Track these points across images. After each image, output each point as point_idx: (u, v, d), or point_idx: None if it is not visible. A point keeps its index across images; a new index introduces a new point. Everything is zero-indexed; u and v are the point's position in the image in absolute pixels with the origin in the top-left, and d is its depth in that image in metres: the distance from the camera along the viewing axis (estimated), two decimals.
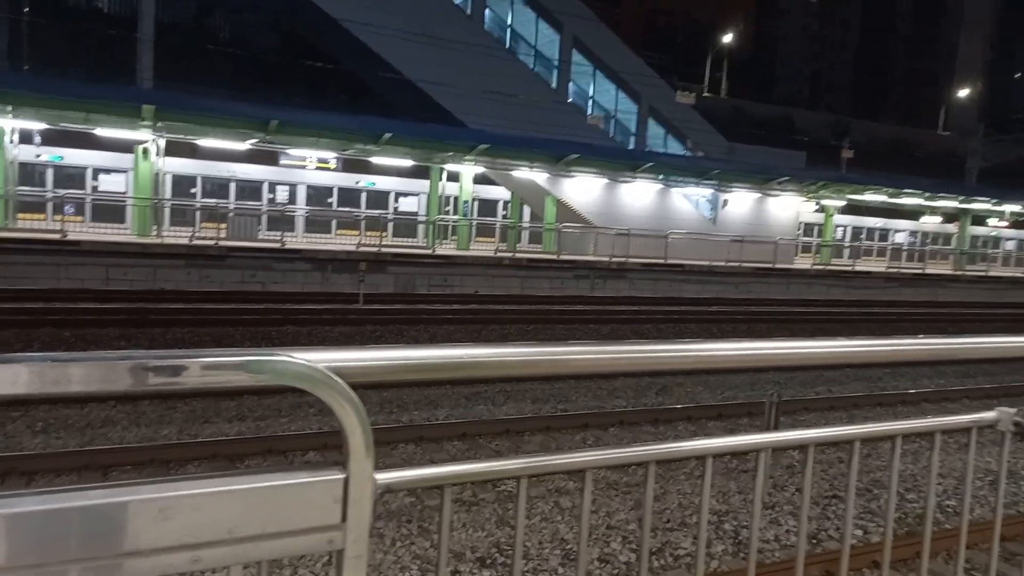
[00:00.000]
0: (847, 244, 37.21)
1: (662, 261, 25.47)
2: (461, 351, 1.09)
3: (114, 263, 17.85)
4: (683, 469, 6.86)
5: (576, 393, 10.14)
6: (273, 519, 0.93)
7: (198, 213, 22.29)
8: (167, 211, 22.78)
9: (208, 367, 0.93)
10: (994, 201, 36.08)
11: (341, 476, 0.97)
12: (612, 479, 6.57)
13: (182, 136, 22.19)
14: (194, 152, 26.89)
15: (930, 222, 43.03)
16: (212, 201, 25.13)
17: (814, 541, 5.74)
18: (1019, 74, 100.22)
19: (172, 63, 36.39)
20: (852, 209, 38.25)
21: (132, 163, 22.37)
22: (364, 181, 30.21)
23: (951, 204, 36.42)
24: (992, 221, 41.12)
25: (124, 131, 21.07)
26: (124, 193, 24.60)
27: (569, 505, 6.06)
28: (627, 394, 10.33)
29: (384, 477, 1.02)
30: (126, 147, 22.97)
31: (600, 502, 6.18)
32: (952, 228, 42.36)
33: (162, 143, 22.06)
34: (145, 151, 21.51)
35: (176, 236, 20.66)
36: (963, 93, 68.64)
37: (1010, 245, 46.46)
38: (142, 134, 21.15)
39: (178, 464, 6.61)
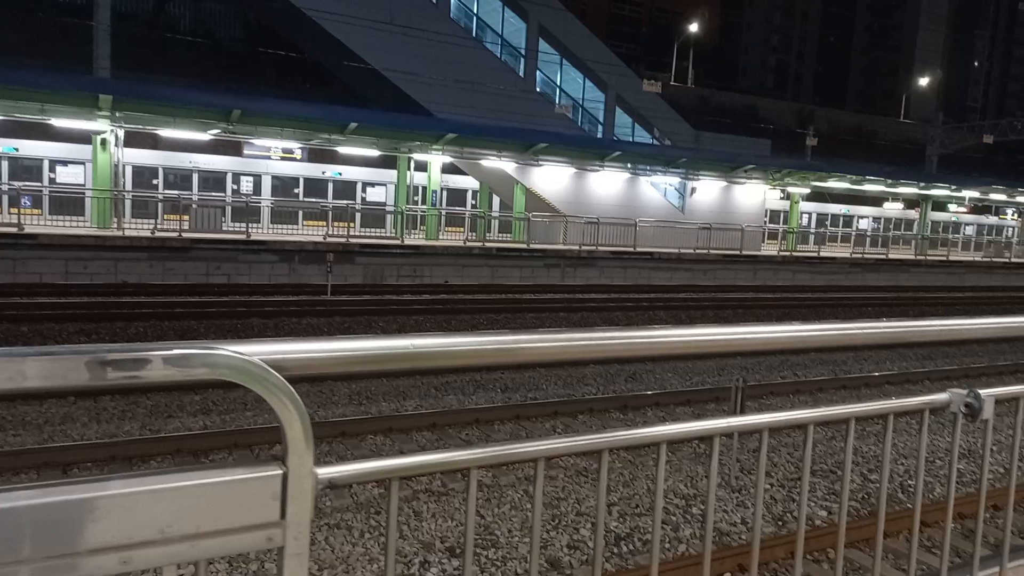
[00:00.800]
0: (812, 231, 37.76)
1: (631, 249, 25.61)
2: (407, 341, 1.07)
3: (73, 256, 17.43)
4: (652, 455, 6.91)
5: (547, 381, 10.16)
6: (208, 517, 0.90)
7: (160, 205, 21.82)
8: (128, 203, 22.28)
9: (140, 363, 0.90)
10: (953, 187, 36.87)
11: (279, 472, 0.94)
12: (582, 466, 6.60)
13: (142, 126, 21.69)
14: (155, 143, 26.32)
15: (892, 208, 43.86)
16: (174, 193, 24.64)
17: (780, 523, 5.82)
18: (976, 63, 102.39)
19: (130, 52, 35.58)
20: (817, 196, 38.81)
21: (90, 154, 21.83)
22: (331, 171, 29.87)
23: (912, 190, 37.13)
24: (952, 207, 42.05)
25: (81, 121, 20.54)
26: (83, 185, 24.01)
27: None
28: (597, 381, 10.38)
29: (326, 472, 0.99)
30: (84, 138, 22.42)
31: (570, 488, 6.20)
32: (913, 214, 43.22)
33: (121, 134, 21.55)
34: (103, 142, 21.00)
35: (138, 228, 20.23)
36: (922, 82, 69.90)
37: (969, 230, 47.54)
38: (100, 124, 20.64)
39: (140, 460, 6.49)
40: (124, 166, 23.34)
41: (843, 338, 1.62)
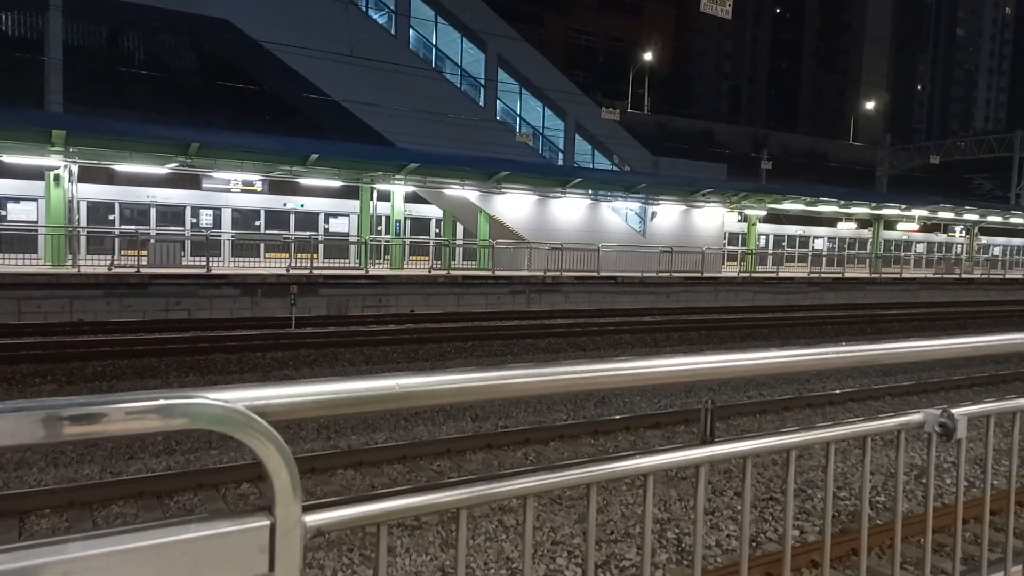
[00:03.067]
0: (770, 252, 38.53)
1: (595, 274, 25.80)
2: (391, 381, 1.04)
3: (26, 295, 16.94)
4: (625, 480, 6.90)
5: (516, 409, 10.11)
6: (192, 574, 0.86)
7: (117, 240, 21.38)
8: (83, 239, 21.78)
9: (118, 414, 0.86)
10: (903, 207, 37.99)
11: (267, 522, 0.90)
12: (555, 494, 6.55)
13: (96, 161, 21.31)
14: (111, 178, 25.87)
15: (846, 228, 44.99)
16: (131, 228, 24.18)
17: (754, 544, 5.84)
18: (919, 86, 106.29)
19: (83, 86, 35.03)
20: (773, 218, 39.66)
21: (43, 190, 21.34)
22: (292, 203, 29.64)
23: (864, 210, 38.16)
24: (901, 225, 43.28)
25: (33, 157, 20.10)
26: (36, 222, 23.43)
27: (513, 523, 6.00)
28: (566, 407, 10.36)
29: (314, 519, 0.96)
30: (37, 174, 21.92)
31: (544, 517, 6.15)
32: (866, 233, 44.38)
33: (75, 169, 21.13)
34: (57, 177, 20.56)
35: (94, 265, 19.76)
36: (869, 105, 72.28)
37: (920, 248, 48.94)
38: (53, 160, 20.21)
39: (101, 505, 6.27)
40: (79, 202, 22.86)
41: (809, 363, 1.64)
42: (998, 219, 43.00)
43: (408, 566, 5.26)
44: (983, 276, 39.26)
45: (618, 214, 30.80)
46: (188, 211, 27.43)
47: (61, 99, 25.78)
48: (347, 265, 24.58)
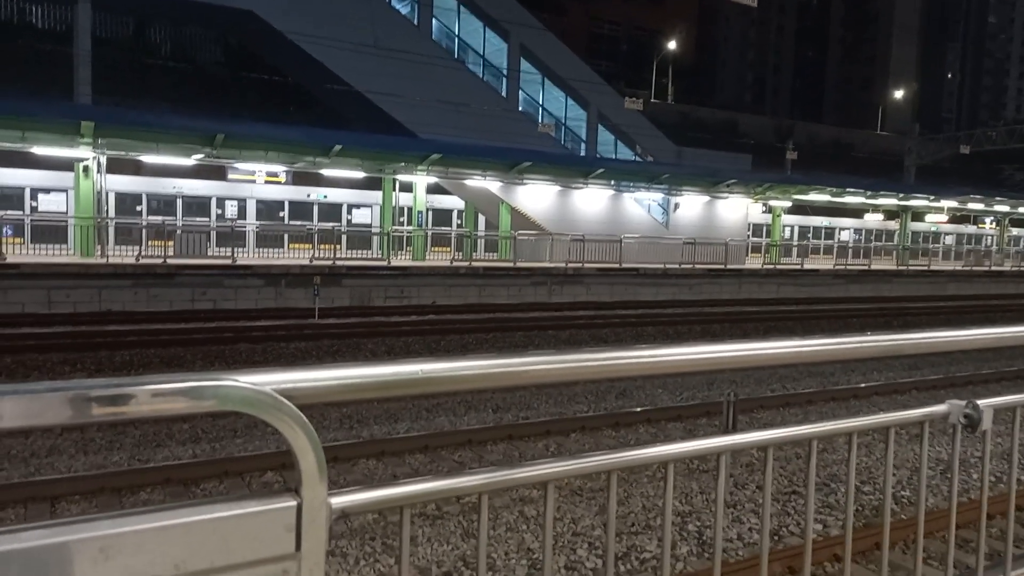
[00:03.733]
0: (795, 243, 38.10)
1: (617, 265, 25.70)
2: (415, 367, 1.06)
3: (56, 285, 17.25)
4: (645, 472, 6.89)
5: (537, 400, 10.13)
6: (222, 552, 0.89)
7: (144, 231, 21.67)
8: (111, 230, 22.12)
9: (148, 396, 0.89)
10: (931, 197, 37.36)
11: (294, 503, 0.93)
12: (576, 485, 6.57)
13: (124, 153, 21.59)
14: (138, 169, 26.21)
15: (873, 219, 44.37)
16: (158, 218, 24.50)
17: (776, 537, 5.81)
18: (948, 75, 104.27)
19: (111, 78, 35.49)
20: (798, 209, 39.20)
21: (73, 182, 21.69)
22: (316, 194, 29.84)
23: (891, 202, 37.59)
24: (930, 217, 42.60)
25: (63, 149, 20.42)
26: (65, 213, 23.83)
27: (534, 514, 6.03)
28: (587, 399, 10.36)
29: (339, 501, 0.98)
30: (66, 165, 22.28)
31: (565, 508, 6.17)
32: (894, 225, 43.73)
33: (103, 160, 21.44)
34: (86, 169, 20.88)
35: (122, 256, 20.07)
36: (898, 94, 71.07)
37: (949, 240, 48.14)
38: (82, 151, 20.52)
39: (129, 491, 6.39)
40: (107, 193, 23.21)
41: (831, 353, 1.63)
42: None
43: (430, 555, 5.31)
44: (1013, 268, 38.54)
45: (641, 205, 30.63)
46: (213, 202, 27.74)
47: (89, 91, 26.12)
48: (370, 256, 24.71)
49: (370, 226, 29.68)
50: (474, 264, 23.57)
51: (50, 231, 22.05)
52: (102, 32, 44.73)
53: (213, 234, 24.36)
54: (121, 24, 49.45)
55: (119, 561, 0.84)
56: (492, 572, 5.09)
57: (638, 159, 35.38)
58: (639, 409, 9.44)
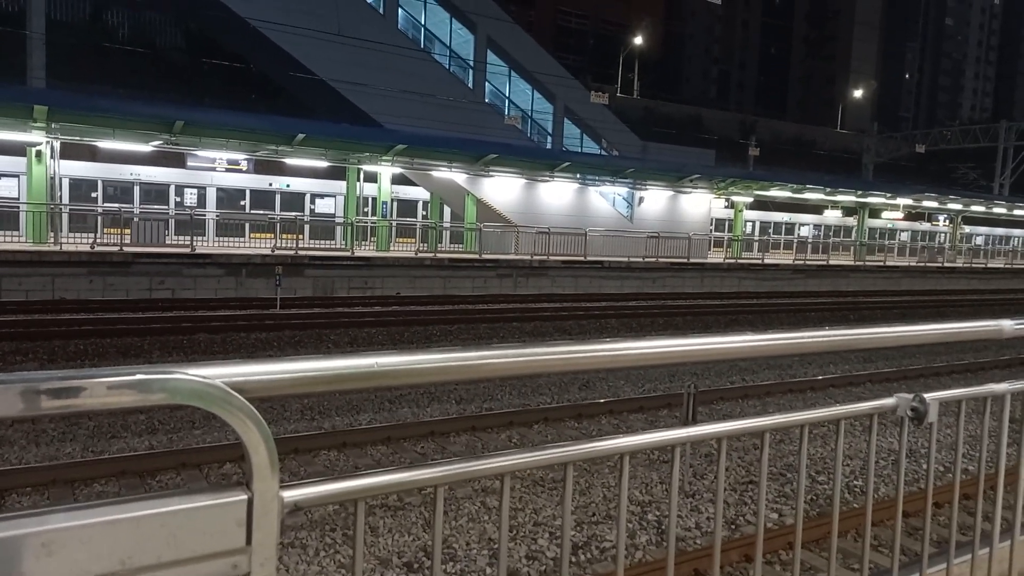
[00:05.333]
0: (756, 238, 38.71)
1: (582, 258, 25.84)
2: (370, 359, 1.06)
3: (7, 272, 16.75)
4: (607, 463, 6.96)
5: (501, 392, 10.16)
6: (170, 547, 0.87)
7: (100, 218, 21.14)
8: (65, 217, 21.54)
9: (96, 389, 0.87)
10: (889, 195, 38.23)
11: (244, 497, 0.92)
12: (538, 476, 6.61)
13: (79, 138, 21.03)
14: (94, 155, 25.55)
15: (832, 216, 45.25)
16: (115, 206, 23.91)
17: (733, 526, 5.92)
18: (907, 75, 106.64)
19: (66, 62, 34.50)
20: (760, 204, 39.80)
21: (25, 167, 21.05)
22: (278, 183, 29.41)
23: (850, 198, 38.38)
24: (886, 214, 43.58)
25: (15, 133, 19.81)
26: (17, 199, 23.13)
27: (495, 504, 6.05)
28: (551, 391, 10.42)
29: (292, 495, 0.98)
30: (18, 150, 21.61)
31: (526, 499, 6.20)
32: (852, 221, 44.67)
33: (57, 145, 20.85)
34: (38, 154, 20.28)
35: (76, 243, 19.56)
36: (857, 92, 72.47)
37: (904, 236, 49.34)
38: (35, 136, 19.93)
39: (83, 484, 6.26)
40: (61, 179, 22.59)
41: (789, 347, 1.67)
42: (981, 209, 43.41)
43: (391, 546, 5.30)
44: (965, 265, 39.69)
45: (606, 199, 30.81)
46: (172, 190, 27.17)
47: (44, 74, 25.35)
48: (333, 246, 24.47)
49: (334, 216, 29.37)
50: (439, 256, 23.49)
51: (1, 217, 21.40)
52: (57, 14, 43.44)
53: (172, 222, 23.88)
54: (77, 6, 48.08)
55: (63, 556, 0.82)
56: (453, 562, 5.11)
57: (604, 153, 35.56)
58: (602, 401, 9.52)
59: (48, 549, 0.82)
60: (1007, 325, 2.05)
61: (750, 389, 10.63)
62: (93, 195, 25.70)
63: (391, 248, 25.29)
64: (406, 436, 7.84)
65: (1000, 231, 56.20)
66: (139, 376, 0.89)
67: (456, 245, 29.05)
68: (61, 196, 23.16)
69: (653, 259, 27.34)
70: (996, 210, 44.29)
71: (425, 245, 26.98)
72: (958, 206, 42.12)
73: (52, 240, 19.98)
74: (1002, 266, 41.74)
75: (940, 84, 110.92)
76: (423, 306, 19.14)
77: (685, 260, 28.25)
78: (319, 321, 15.43)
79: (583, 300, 22.29)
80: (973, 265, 39.95)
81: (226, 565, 0.91)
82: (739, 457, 7.50)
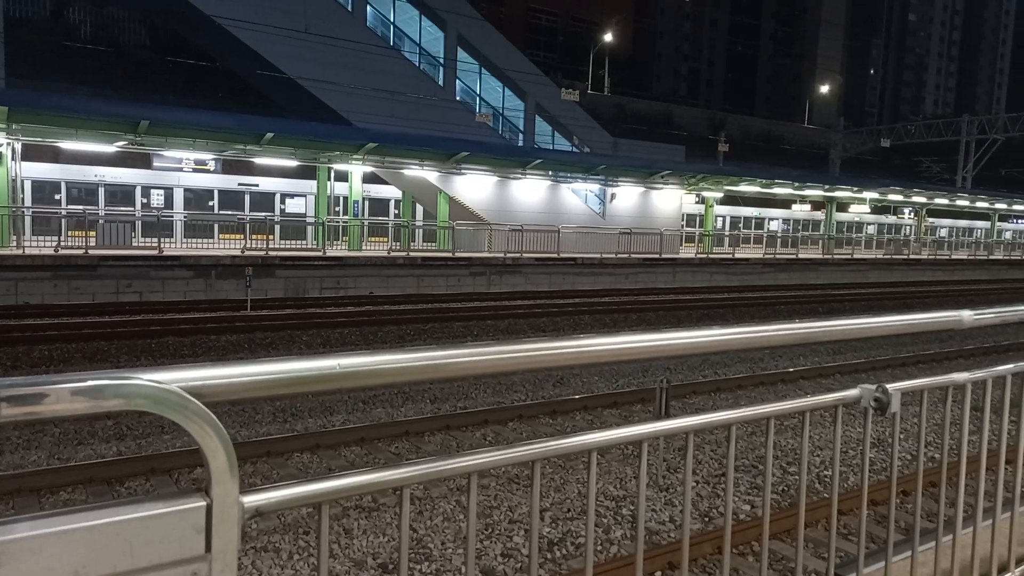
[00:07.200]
0: (727, 233, 39.07)
1: (555, 255, 25.89)
2: (333, 361, 1.04)
3: None
4: (582, 459, 6.98)
5: (475, 390, 10.15)
6: (127, 556, 0.85)
7: (64, 221, 20.71)
8: (27, 220, 21.07)
9: (48, 396, 0.84)
10: (855, 189, 38.83)
11: (203, 503, 0.90)
12: (513, 474, 6.61)
13: (41, 139, 20.57)
14: (57, 156, 25.01)
15: (800, 210, 45.84)
16: (79, 208, 23.44)
17: (706, 519, 5.98)
18: (872, 70, 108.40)
19: (27, 60, 33.74)
20: (730, 200, 40.19)
21: None
22: (247, 183, 29.05)
23: (818, 193, 38.91)
24: (853, 207, 44.27)
25: None
26: None
27: None
28: (525, 388, 10.43)
29: (252, 500, 0.96)
30: None
31: (501, 496, 6.20)
32: (820, 215, 45.30)
33: (18, 147, 20.39)
34: None
35: (40, 246, 19.15)
36: (824, 89, 73.49)
37: (871, 230, 50.17)
38: None
39: (49, 492, 6.13)
40: (23, 181, 22.09)
41: (759, 340, 1.68)
42: (945, 201, 44.28)
43: (366, 547, 5.27)
44: (930, 257, 40.46)
45: (578, 196, 30.90)
46: (138, 191, 26.71)
47: (3, 73, 24.77)
48: (304, 247, 24.24)
49: (304, 216, 29.10)
50: (412, 254, 23.39)
51: None
52: (16, 12, 42.46)
53: (138, 224, 23.49)
54: (37, 3, 47.04)
55: (12, 568, 0.80)
56: (429, 562, 5.09)
57: (575, 150, 35.65)
58: (576, 397, 9.56)
59: None
60: (966, 315, 2.09)
61: (722, 383, 10.74)
62: (56, 197, 25.18)
63: (363, 247, 25.11)
64: (380, 436, 7.80)
65: (963, 223, 57.41)
66: (91, 382, 0.86)
67: (429, 244, 28.93)
68: (23, 199, 22.65)
69: (625, 255, 27.49)
70: (959, 203, 45.19)
71: (398, 244, 26.84)
72: (922, 199, 42.93)
73: (15, 244, 19.54)
74: (965, 257, 42.63)
75: (904, 80, 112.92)
76: (396, 305, 19.04)
77: (657, 256, 28.44)
78: (291, 322, 15.29)
79: (556, 297, 22.34)
80: (938, 257, 40.75)
81: (185, 573, 0.90)
82: (711, 450, 7.57)
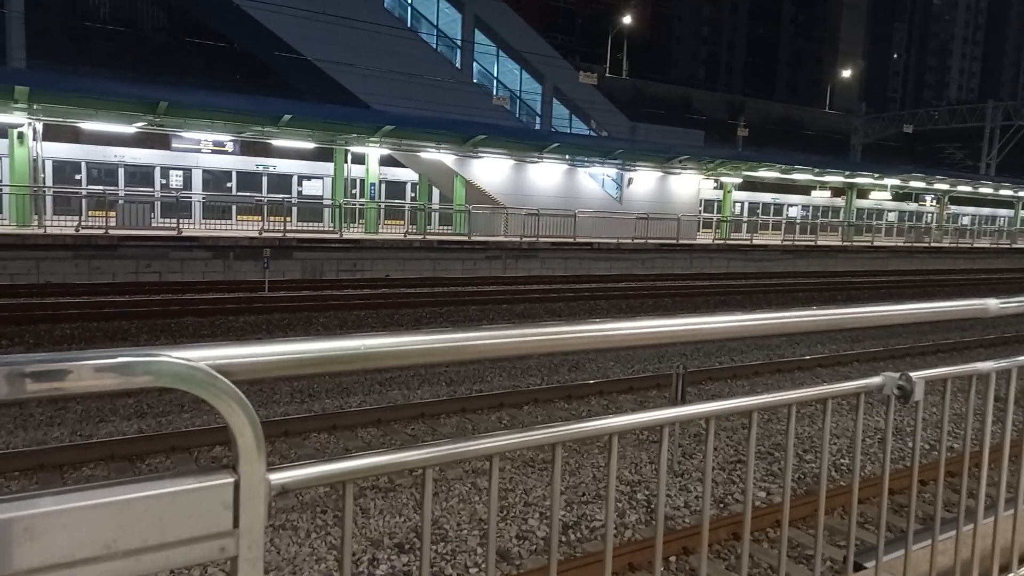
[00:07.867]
0: (745, 219, 38.76)
1: (571, 240, 25.82)
2: (357, 342, 1.04)
3: None
4: (597, 443, 7.00)
5: (491, 373, 10.18)
6: (156, 530, 0.87)
7: (84, 201, 20.90)
8: (49, 199, 21.28)
9: (80, 372, 0.85)
10: (876, 175, 38.35)
11: (231, 480, 0.91)
12: (528, 457, 6.64)
13: (61, 119, 20.72)
14: (77, 136, 25.22)
15: (820, 196, 45.38)
16: (99, 188, 23.64)
17: (722, 505, 5.98)
18: (895, 55, 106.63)
19: (46, 42, 33.96)
20: (748, 185, 39.83)
21: (7, 149, 20.76)
22: (264, 165, 29.16)
23: (838, 179, 38.47)
24: (874, 194, 43.75)
25: None
26: (0, 181, 22.86)
27: (486, 485, 6.08)
28: (541, 372, 10.44)
29: (278, 477, 0.97)
30: (0, 132, 21.31)
31: (517, 479, 6.23)
32: (840, 202, 44.81)
33: (39, 127, 20.56)
34: (21, 136, 19.99)
35: (61, 226, 19.36)
36: (845, 73, 72.45)
37: (892, 217, 49.57)
38: (16, 118, 19.63)
39: (72, 468, 6.24)
40: (44, 161, 22.30)
41: (777, 326, 1.67)
42: (968, 189, 43.64)
43: (383, 527, 5.32)
44: (952, 245, 39.96)
45: (595, 180, 30.75)
46: (157, 171, 26.88)
47: (24, 54, 24.95)
48: (321, 229, 24.33)
49: (321, 198, 29.18)
50: (428, 238, 23.42)
51: None
52: None
53: (157, 204, 23.67)
54: None
55: (45, 541, 0.81)
56: (444, 543, 5.13)
57: (592, 134, 35.42)
58: (592, 382, 9.56)
59: (30, 534, 0.81)
60: (992, 304, 2.06)
61: (739, 369, 10.70)
62: (77, 177, 25.41)
63: (380, 230, 25.17)
64: (396, 418, 7.85)
65: (986, 211, 56.58)
66: (123, 359, 0.87)
67: (445, 227, 28.95)
68: (44, 178, 22.88)
69: (642, 240, 27.37)
70: (982, 190, 44.53)
71: (414, 227, 26.88)
72: (945, 186, 42.33)
73: (36, 223, 19.76)
74: (988, 246, 42.06)
75: (927, 65, 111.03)
76: (412, 288, 19.10)
77: (674, 241, 28.29)
78: (308, 304, 15.38)
79: (572, 282, 22.31)
80: (960, 245, 40.23)
81: (213, 548, 0.91)
82: (727, 437, 7.56)
